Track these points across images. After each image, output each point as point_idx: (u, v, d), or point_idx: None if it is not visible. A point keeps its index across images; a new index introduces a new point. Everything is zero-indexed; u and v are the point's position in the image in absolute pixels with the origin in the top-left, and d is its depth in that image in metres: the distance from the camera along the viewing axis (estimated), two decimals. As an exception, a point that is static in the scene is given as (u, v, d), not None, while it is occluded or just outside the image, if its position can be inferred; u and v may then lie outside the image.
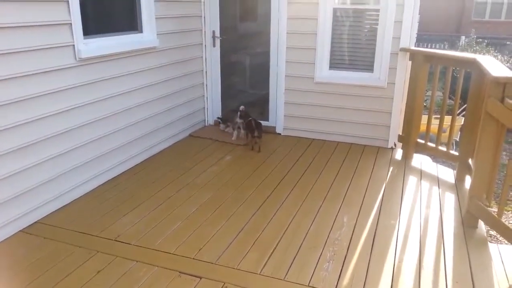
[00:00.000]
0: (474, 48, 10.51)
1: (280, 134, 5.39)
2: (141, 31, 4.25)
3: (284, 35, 5.02)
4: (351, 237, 3.08)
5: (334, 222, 3.28)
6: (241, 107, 4.98)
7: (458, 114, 6.26)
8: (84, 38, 3.50)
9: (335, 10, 4.86)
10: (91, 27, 3.64)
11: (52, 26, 3.17)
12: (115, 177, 4.04)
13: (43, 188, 3.29)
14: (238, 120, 5.00)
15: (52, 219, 3.30)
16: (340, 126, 5.10)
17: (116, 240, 3.02)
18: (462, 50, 10.39)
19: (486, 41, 10.95)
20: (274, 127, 5.42)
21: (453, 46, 13.02)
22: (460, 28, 21.34)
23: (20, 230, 3.13)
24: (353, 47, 4.96)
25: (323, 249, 2.93)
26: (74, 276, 2.63)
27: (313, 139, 5.22)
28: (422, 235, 3.14)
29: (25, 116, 3.05)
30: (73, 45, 3.37)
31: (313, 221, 3.30)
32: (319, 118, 5.16)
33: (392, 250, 2.94)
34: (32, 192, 3.20)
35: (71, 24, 3.32)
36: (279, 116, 5.34)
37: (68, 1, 3.26)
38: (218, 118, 5.55)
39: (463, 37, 15.46)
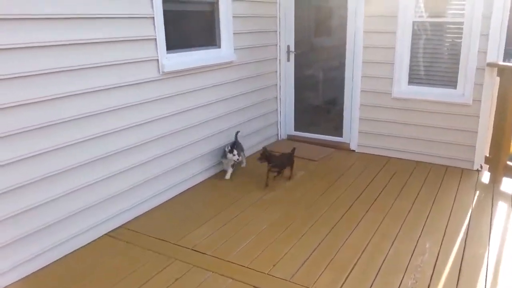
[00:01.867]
0: None
1: (354, 151, 5.22)
2: (219, 46, 4.36)
3: (360, 49, 4.89)
4: (435, 265, 2.86)
5: (415, 247, 3.08)
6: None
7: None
8: (167, 53, 3.64)
9: (414, 24, 4.66)
10: (173, 43, 3.78)
11: (138, 41, 3.34)
12: (193, 186, 4.16)
13: (128, 194, 3.45)
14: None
15: (134, 225, 3.44)
16: (420, 144, 4.83)
17: (193, 250, 3.07)
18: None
19: None
20: (348, 144, 5.27)
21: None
22: (551, 41, 19.62)
23: (105, 234, 3.29)
24: (434, 61, 4.71)
25: (403, 276, 2.74)
26: (154, 282, 2.70)
27: (390, 157, 4.99)
28: (517, 268, 2.84)
29: (112, 126, 3.22)
30: (157, 60, 3.51)
31: (392, 244, 3.11)
32: (396, 136, 4.93)
33: (482, 283, 2.68)
34: (119, 197, 3.37)
35: (155, 39, 3.47)
36: (354, 132, 5.18)
37: (153, 18, 3.42)
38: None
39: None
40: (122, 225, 3.43)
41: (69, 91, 2.86)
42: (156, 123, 3.62)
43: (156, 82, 3.55)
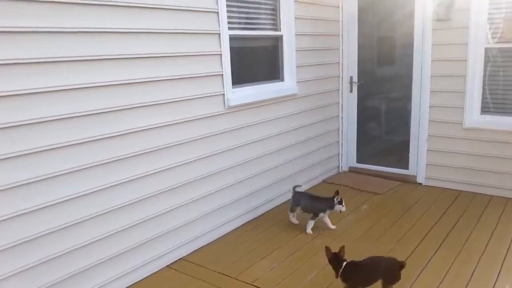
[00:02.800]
0: None
1: (421, 184, 5.00)
2: (282, 80, 4.44)
3: (428, 78, 4.75)
4: (517, 312, 2.63)
5: (493, 290, 2.85)
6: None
7: None
8: (233, 87, 3.76)
9: (487, 50, 4.46)
10: (239, 77, 3.90)
11: (207, 77, 3.49)
12: (251, 220, 4.16)
13: (188, 227, 3.52)
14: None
15: (194, 257, 3.49)
16: (494, 177, 4.53)
17: (253, 285, 3.04)
18: None
19: None
20: (415, 176, 5.06)
21: None
22: None
23: (166, 266, 3.36)
24: (509, 89, 4.45)
25: (482, 322, 2.54)
26: (215, 317, 2.71)
27: (461, 191, 4.71)
28: None
29: (180, 159, 3.36)
30: (223, 94, 3.65)
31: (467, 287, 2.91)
32: (467, 168, 4.67)
33: None
34: (178, 231, 3.44)
35: (222, 75, 3.61)
36: (421, 164, 4.98)
37: (221, 54, 3.57)
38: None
39: None
40: (183, 257, 3.48)
41: (141, 126, 3.03)
42: (220, 156, 3.71)
43: (222, 116, 3.67)
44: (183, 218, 3.47)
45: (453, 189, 4.75)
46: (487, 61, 4.48)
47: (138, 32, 2.93)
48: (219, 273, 3.23)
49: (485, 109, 4.59)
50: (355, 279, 2.59)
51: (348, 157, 5.59)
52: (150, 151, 3.13)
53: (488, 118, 4.55)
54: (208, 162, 3.61)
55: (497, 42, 4.41)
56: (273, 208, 4.42)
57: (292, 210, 3.97)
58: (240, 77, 3.97)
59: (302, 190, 4.10)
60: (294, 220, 3.99)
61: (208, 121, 3.56)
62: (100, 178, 2.84)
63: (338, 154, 5.55)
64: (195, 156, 3.49)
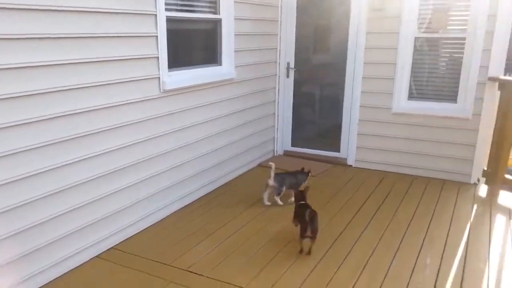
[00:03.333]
0: None
1: (351, 166, 5.26)
2: (220, 64, 4.42)
3: (361, 65, 4.96)
4: (436, 282, 2.87)
5: (415, 264, 3.08)
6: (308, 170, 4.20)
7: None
8: (169, 71, 3.69)
9: (416, 39, 4.73)
10: (175, 60, 3.83)
11: (141, 60, 3.38)
12: (188, 204, 4.13)
13: (120, 215, 3.40)
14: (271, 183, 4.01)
15: (127, 246, 3.36)
16: (418, 159, 4.87)
17: (188, 271, 3.01)
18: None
19: None
20: (345, 159, 5.30)
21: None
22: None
23: (96, 256, 3.21)
24: (435, 76, 4.78)
25: (405, 292, 2.75)
26: (151, 304, 2.66)
27: (387, 172, 5.02)
28: (517, 283, 2.86)
29: (111, 145, 3.23)
30: (159, 78, 3.56)
31: (392, 262, 3.11)
32: (394, 150, 4.98)
33: (483, 298, 2.70)
34: (109, 219, 3.30)
35: (158, 57, 3.52)
36: (351, 147, 5.23)
37: (157, 36, 3.47)
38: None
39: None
40: (114, 246, 3.35)
41: (70, 109, 2.87)
42: (156, 140, 3.64)
43: (157, 100, 3.59)
44: (116, 205, 3.35)
45: (381, 170, 5.05)
46: (416, 49, 4.76)
47: (66, 11, 2.75)
48: (153, 260, 3.13)
49: (412, 95, 4.89)
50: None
51: (283, 141, 5.72)
52: (82, 136, 2.98)
53: (415, 103, 4.86)
54: (144, 147, 3.53)
55: (425, 32, 4.69)
56: (210, 192, 4.42)
57: (279, 193, 4.08)
58: (177, 60, 3.90)
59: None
60: (267, 202, 4.13)
61: (143, 104, 3.46)
62: (26, 165, 2.66)
63: (274, 138, 5.66)
64: (130, 140, 3.39)
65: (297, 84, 5.52)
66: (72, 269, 3.03)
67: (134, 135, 3.42)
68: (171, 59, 3.71)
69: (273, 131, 5.62)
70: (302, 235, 3.14)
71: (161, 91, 3.60)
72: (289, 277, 2.94)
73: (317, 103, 5.70)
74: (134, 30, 3.26)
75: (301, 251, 3.20)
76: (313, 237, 3.13)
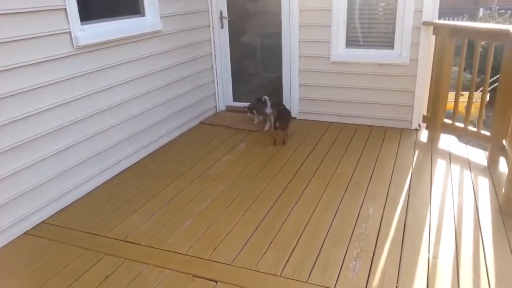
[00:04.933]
0: (497, 19, 9.93)
1: (295, 118, 5.10)
2: (143, 14, 3.98)
3: (296, 12, 4.68)
4: (379, 231, 2.81)
5: (358, 215, 3.01)
6: (264, 97, 4.57)
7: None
8: (81, 24, 3.25)
9: (351, -16, 4.50)
10: (89, 12, 3.38)
11: (44, 12, 2.91)
12: (121, 172, 3.82)
13: (46, 186, 3.09)
14: (268, 111, 4.51)
15: (57, 219, 3.10)
16: (359, 107, 4.78)
17: (125, 241, 2.81)
18: (484, 22, 9.85)
19: (509, 12, 10.33)
20: (289, 111, 5.12)
21: (473, 19, 12.38)
22: (479, 0, 20.43)
23: (24, 233, 2.94)
24: (371, 22, 4.62)
25: (348, 246, 2.67)
26: (81, 283, 2.43)
27: (331, 122, 4.92)
28: (457, 226, 2.86)
29: (19, 112, 2.82)
30: (70, 32, 3.11)
31: (335, 215, 3.03)
32: (336, 100, 4.85)
33: (425, 244, 2.67)
34: (34, 192, 3.00)
35: (65, 9, 3.06)
36: (294, 99, 5.04)
37: (61, -16, 3.00)
38: (245, 107, 4.98)
39: (481, 9, 14.74)
40: (44, 221, 3.08)
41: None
42: (71, 105, 3.23)
43: (70, 58, 3.16)
44: (39, 176, 3.02)
45: (324, 121, 4.94)
46: (350, -6, 4.54)
47: None
48: (87, 232, 2.92)
49: (349, 43, 4.72)
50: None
51: (224, 96, 5.43)
52: None
53: (353, 51, 4.70)
54: (59, 112, 3.13)
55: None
56: (143, 159, 4.08)
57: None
58: (92, 12, 3.45)
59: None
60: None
61: (53, 64, 3.03)
62: None
63: (214, 93, 5.35)
64: (42, 106, 2.98)
65: (234, 35, 5.17)
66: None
67: (47, 99, 3.02)
68: (84, 10, 3.26)
69: (213, 86, 5.30)
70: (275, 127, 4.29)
71: (74, 47, 3.17)
72: (231, 239, 2.79)
73: (258, 54, 5.41)
74: (30, -25, 2.78)
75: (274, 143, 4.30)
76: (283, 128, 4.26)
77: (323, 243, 2.70)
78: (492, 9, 10.78)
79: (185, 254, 2.64)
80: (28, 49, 2.83)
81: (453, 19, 13.24)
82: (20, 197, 2.90)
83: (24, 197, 2.92)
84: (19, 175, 2.87)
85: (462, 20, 11.94)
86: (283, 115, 4.30)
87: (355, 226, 2.87)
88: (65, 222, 3.06)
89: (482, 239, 2.71)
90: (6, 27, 2.66)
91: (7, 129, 2.75)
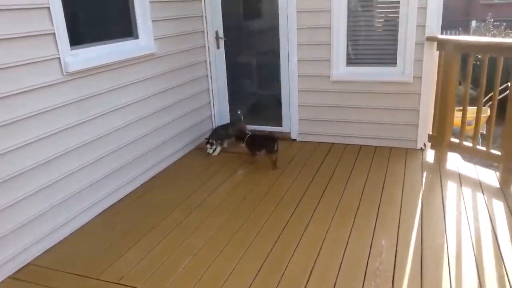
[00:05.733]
0: (492, 32, 9.92)
1: (295, 140, 4.92)
2: (136, 37, 3.81)
3: (294, 31, 4.54)
4: (394, 265, 2.61)
5: (371, 247, 2.80)
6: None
7: (484, 105, 5.68)
8: (72, 49, 3.06)
9: (350, 1, 4.37)
10: (79, 36, 3.21)
11: (32, 38, 2.73)
12: (116, 202, 3.59)
13: (32, 225, 2.85)
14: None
15: (45, 260, 2.86)
16: (362, 127, 4.61)
17: (119, 283, 2.58)
18: (480, 35, 9.83)
19: (504, 23, 10.32)
20: (289, 133, 4.95)
21: (467, 32, 12.41)
22: (470, 12, 20.63)
23: (8, 276, 2.70)
24: (372, 39, 4.48)
25: (363, 283, 2.46)
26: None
27: (333, 143, 4.74)
28: (477, 256, 2.66)
29: (12, 142, 2.64)
30: (59, 58, 2.93)
31: (346, 248, 2.81)
32: (338, 120, 4.68)
33: (446, 280, 2.46)
34: (22, 230, 2.77)
35: (54, 34, 2.88)
36: (294, 120, 4.87)
37: (49, 8, 2.82)
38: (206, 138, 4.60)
39: (473, 22, 14.84)
40: (31, 262, 2.84)
41: None
42: (64, 134, 3.04)
43: (60, 85, 2.97)
44: (25, 213, 2.79)
45: (326, 143, 4.76)
46: (350, 11, 4.40)
47: None
48: (78, 275, 2.68)
49: (350, 61, 4.58)
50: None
51: (221, 118, 5.25)
52: None
53: (354, 69, 4.55)
54: (53, 142, 2.94)
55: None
56: (137, 188, 3.85)
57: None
58: (82, 36, 3.28)
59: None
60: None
61: (43, 92, 2.84)
62: None
63: (211, 116, 5.17)
64: (32, 137, 2.78)
65: (231, 55, 5.01)
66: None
67: (37, 129, 2.83)
68: (74, 34, 3.09)
69: (209, 109, 5.12)
70: (272, 151, 4.07)
71: (64, 73, 2.98)
72: (235, 280, 2.55)
73: (255, 75, 5.26)
74: (16, 1, 2.60)
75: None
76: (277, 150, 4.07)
77: (336, 282, 2.49)
78: (487, 21, 10.78)
79: (186, 298, 2.42)
80: (15, 77, 2.64)
81: (446, 33, 13.27)
82: (6, 236, 2.67)
83: (7, 238, 2.69)
84: (6, 212, 2.66)
85: (456, 33, 11.95)
86: (265, 140, 4.17)
87: (368, 260, 2.66)
88: (53, 264, 2.81)
89: (505, 267, 2.52)
90: (-11, 55, 2.48)
91: (-9, 164, 2.55)
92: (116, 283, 2.58)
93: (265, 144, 4.12)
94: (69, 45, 3.04)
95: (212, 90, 5.08)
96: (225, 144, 4.61)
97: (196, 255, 2.81)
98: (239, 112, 4.75)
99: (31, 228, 2.84)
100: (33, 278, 2.68)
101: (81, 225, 3.27)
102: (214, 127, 4.50)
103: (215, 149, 4.52)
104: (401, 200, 3.41)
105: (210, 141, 4.48)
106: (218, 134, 4.56)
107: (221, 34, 4.89)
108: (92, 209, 3.36)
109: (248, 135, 4.21)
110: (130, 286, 2.54)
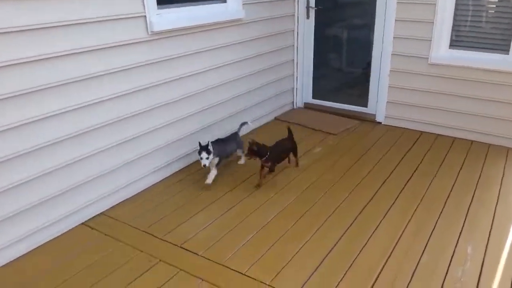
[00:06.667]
0: None
1: (380, 123, 4.57)
2: (224, 1, 3.69)
3: (394, 4, 4.13)
4: (479, 276, 2.29)
5: (453, 252, 2.49)
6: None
7: None
8: (158, 9, 3.03)
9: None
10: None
11: (121, -6, 2.73)
12: (188, 165, 3.61)
13: (111, 176, 2.96)
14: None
15: (117, 212, 2.96)
16: (459, 118, 4.13)
17: (182, 247, 2.57)
18: None
19: None
20: (374, 115, 4.61)
21: None
22: None
23: (82, 223, 2.83)
24: (484, 21, 3.93)
25: (440, 292, 2.19)
26: (129, 292, 2.23)
27: (422, 131, 4.32)
28: None
29: (92, 96, 2.71)
30: (145, 17, 2.91)
31: (425, 247, 2.53)
32: (431, 107, 4.24)
33: (542, 305, 2.11)
34: (98, 180, 2.89)
35: (142, -9, 2.86)
36: (381, 102, 4.51)
37: (139, -36, 2.79)
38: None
39: None
40: (103, 212, 2.95)
41: (33, 55, 2.32)
42: (143, 93, 3.05)
43: (143, 44, 2.96)
44: (104, 165, 2.90)
45: (415, 130, 4.36)
46: (460, -15, 3.89)
47: None
48: (143, 231, 2.73)
49: (454, 43, 4.07)
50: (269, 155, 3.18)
51: (303, 92, 5.04)
52: (56, 86, 2.48)
53: (457, 53, 4.05)
54: (129, 101, 2.96)
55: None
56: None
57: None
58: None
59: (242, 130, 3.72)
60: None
61: (126, 49, 2.85)
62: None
63: (293, 88, 4.98)
64: (112, 93, 2.82)
65: (320, 26, 4.73)
66: (55, 237, 2.70)
67: (120, 84, 2.87)
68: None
69: (292, 81, 4.93)
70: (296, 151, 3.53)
71: (149, 33, 2.97)
72: (298, 262, 2.43)
73: (344, 49, 4.94)
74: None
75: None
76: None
77: (410, 282, 2.24)
78: None
79: (244, 274, 2.33)
80: (100, 33, 2.66)
81: None
82: (83, 185, 2.79)
83: (86, 186, 2.82)
84: (87, 162, 2.77)
85: None
86: (286, 144, 3.44)
87: (449, 267, 2.37)
88: (123, 216, 2.91)
89: None
90: (77, 9, 2.50)
91: (79, 115, 2.64)
92: (179, 247, 2.58)
93: (287, 148, 3.45)
94: (156, 5, 3.00)
95: (296, 62, 4.86)
96: (219, 165, 3.32)
97: (259, 232, 2.71)
98: (245, 123, 3.74)
99: (108, 178, 2.95)
100: (103, 228, 2.78)
101: (155, 182, 3.34)
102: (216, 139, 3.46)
103: (210, 169, 3.24)
104: (496, 204, 3.00)
105: (209, 148, 3.13)
106: (219, 146, 3.29)
107: (312, 3, 4.62)
108: (165, 169, 3.41)
109: (269, 147, 3.23)
110: (191, 252, 2.53)
